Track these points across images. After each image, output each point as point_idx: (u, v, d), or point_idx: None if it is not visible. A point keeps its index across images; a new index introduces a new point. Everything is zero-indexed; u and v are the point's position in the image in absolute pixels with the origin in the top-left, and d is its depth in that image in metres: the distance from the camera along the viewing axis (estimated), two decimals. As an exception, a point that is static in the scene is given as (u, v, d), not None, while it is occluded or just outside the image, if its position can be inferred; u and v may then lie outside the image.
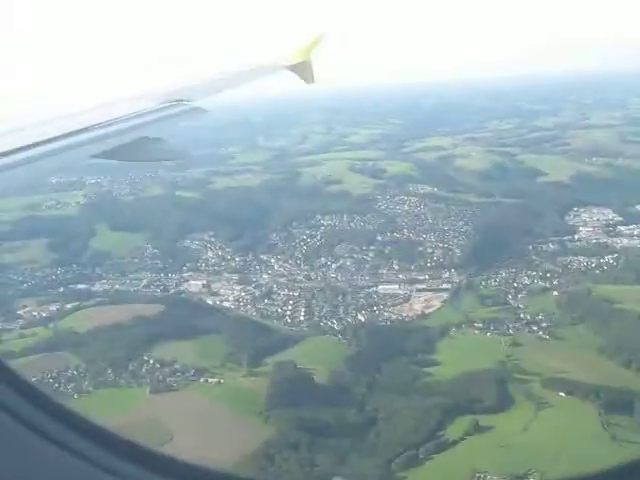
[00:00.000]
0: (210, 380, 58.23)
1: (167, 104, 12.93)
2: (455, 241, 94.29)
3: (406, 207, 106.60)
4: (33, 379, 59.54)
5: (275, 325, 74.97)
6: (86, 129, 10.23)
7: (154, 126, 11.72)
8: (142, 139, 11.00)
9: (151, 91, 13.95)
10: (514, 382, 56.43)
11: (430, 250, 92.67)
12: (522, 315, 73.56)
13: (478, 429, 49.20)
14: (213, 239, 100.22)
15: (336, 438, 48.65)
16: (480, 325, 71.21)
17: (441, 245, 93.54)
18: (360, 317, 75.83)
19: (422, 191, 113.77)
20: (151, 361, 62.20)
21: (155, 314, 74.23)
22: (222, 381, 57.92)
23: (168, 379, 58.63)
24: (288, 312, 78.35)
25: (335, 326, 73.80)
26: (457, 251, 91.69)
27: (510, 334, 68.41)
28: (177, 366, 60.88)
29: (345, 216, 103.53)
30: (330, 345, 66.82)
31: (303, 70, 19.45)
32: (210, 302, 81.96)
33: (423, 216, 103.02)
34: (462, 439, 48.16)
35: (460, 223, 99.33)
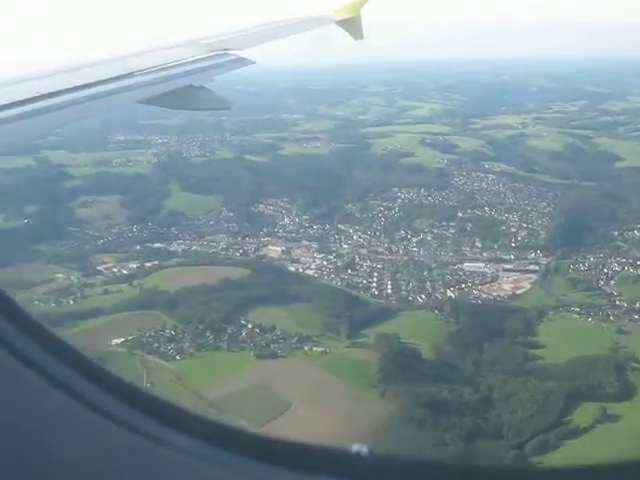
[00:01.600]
0: (315, 349, 56.71)
1: (214, 53, 12.49)
2: (539, 222, 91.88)
3: (484, 184, 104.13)
4: (130, 337, 58.83)
5: (363, 296, 73.36)
6: (132, 74, 9.93)
7: (201, 75, 11.39)
8: (187, 87, 10.78)
9: (197, 39, 13.30)
10: (632, 371, 54.34)
11: (514, 230, 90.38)
12: (618, 302, 71.34)
13: (607, 417, 47.36)
14: (288, 205, 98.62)
15: (458, 417, 47.02)
16: (578, 309, 69.19)
17: (525, 225, 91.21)
18: (450, 294, 74.10)
19: (498, 169, 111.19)
20: (249, 325, 60.84)
21: (241, 278, 73.13)
22: (327, 350, 56.34)
23: (272, 345, 57.10)
24: (374, 284, 76.75)
25: (425, 301, 72.32)
26: (542, 232, 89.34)
27: (612, 321, 66.31)
28: (278, 332, 59.38)
29: (422, 190, 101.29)
30: (428, 321, 65.08)
31: (352, 26, 18.68)
32: (292, 269, 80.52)
33: (503, 195, 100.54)
34: (593, 426, 46.38)
35: (542, 204, 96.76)
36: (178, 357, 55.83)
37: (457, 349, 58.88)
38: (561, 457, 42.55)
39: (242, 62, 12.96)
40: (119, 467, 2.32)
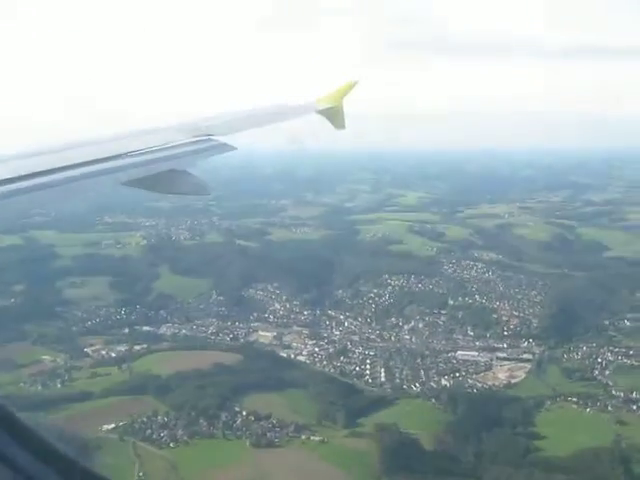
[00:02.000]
0: (312, 438, 55.19)
1: (196, 138, 12.66)
2: (530, 311, 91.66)
3: (474, 273, 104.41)
4: (122, 423, 57.07)
5: (357, 384, 72.22)
6: (115, 157, 10.14)
7: (183, 160, 11.67)
8: (169, 172, 10.96)
9: (180, 124, 13.57)
10: (638, 463, 53.16)
11: (505, 318, 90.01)
12: (615, 392, 70.60)
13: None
14: (278, 291, 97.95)
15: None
16: (575, 400, 68.30)
17: (516, 314, 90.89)
18: (444, 382, 73.12)
19: (487, 257, 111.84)
20: (244, 412, 59.24)
21: (234, 363, 71.89)
22: (325, 440, 54.81)
23: (268, 434, 55.50)
24: (367, 372, 75.76)
25: (419, 390, 71.28)
26: (533, 321, 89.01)
27: (610, 411, 65.47)
28: (274, 420, 57.85)
29: (413, 277, 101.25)
30: (425, 410, 64.06)
31: (334, 115, 18.66)
32: (284, 355, 79.35)
33: (493, 283, 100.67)
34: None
35: (533, 293, 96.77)
36: (172, 445, 54.06)
37: (457, 439, 57.56)
38: None
39: (224, 148, 12.95)
40: None
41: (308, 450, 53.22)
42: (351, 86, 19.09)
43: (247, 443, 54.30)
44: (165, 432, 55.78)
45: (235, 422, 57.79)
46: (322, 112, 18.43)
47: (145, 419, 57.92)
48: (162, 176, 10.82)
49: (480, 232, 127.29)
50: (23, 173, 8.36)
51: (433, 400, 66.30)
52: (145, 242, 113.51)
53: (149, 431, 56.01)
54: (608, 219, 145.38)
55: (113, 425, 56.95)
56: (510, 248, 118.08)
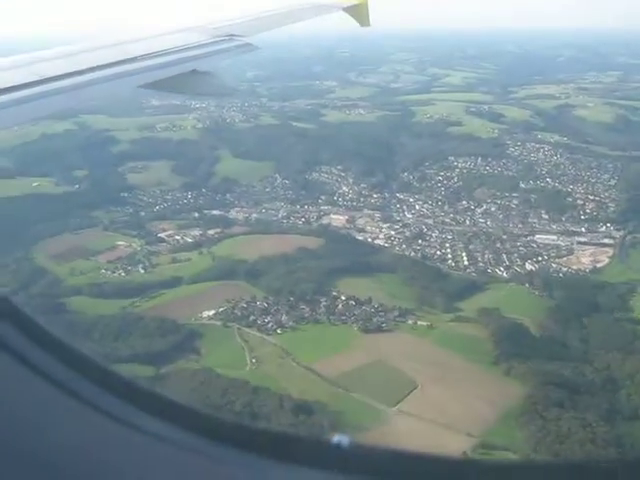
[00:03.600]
0: (419, 323, 54.21)
1: (218, 39, 12.50)
2: (605, 194, 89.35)
3: (541, 155, 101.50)
4: (221, 309, 56.14)
5: (442, 268, 71.04)
6: (135, 59, 9.97)
7: (205, 60, 11.44)
8: (192, 72, 10.84)
9: (202, 25, 13.31)
10: None
11: (580, 202, 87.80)
12: None
13: None
14: (343, 173, 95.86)
15: (590, 397, 44.83)
16: (668, 285, 66.89)
17: (592, 197, 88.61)
18: (529, 267, 71.88)
19: (552, 140, 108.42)
20: (343, 297, 58.25)
21: (318, 247, 70.75)
22: (433, 325, 53.92)
23: (374, 319, 54.56)
24: (449, 255, 74.55)
25: (505, 274, 70.22)
26: (610, 205, 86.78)
27: None
28: (375, 305, 56.84)
29: (479, 159, 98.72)
30: (521, 294, 62.90)
31: (358, 12, 18.71)
32: (360, 238, 78.02)
33: (563, 166, 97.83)
34: None
35: (605, 176, 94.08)
36: (279, 331, 53.10)
37: (560, 325, 56.54)
38: None
39: (247, 48, 12.85)
40: (120, 464, 2.39)
41: (419, 335, 52.25)
42: None
43: (355, 328, 53.38)
44: (269, 318, 54.84)
45: (337, 307, 56.85)
46: (347, 10, 18.27)
47: (245, 305, 57.07)
48: (184, 77, 10.57)
49: (540, 113, 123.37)
50: (44, 77, 8.18)
51: (527, 284, 65.17)
52: (200, 125, 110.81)
53: (252, 317, 55.05)
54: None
55: (213, 311, 56.19)
56: (573, 130, 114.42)
